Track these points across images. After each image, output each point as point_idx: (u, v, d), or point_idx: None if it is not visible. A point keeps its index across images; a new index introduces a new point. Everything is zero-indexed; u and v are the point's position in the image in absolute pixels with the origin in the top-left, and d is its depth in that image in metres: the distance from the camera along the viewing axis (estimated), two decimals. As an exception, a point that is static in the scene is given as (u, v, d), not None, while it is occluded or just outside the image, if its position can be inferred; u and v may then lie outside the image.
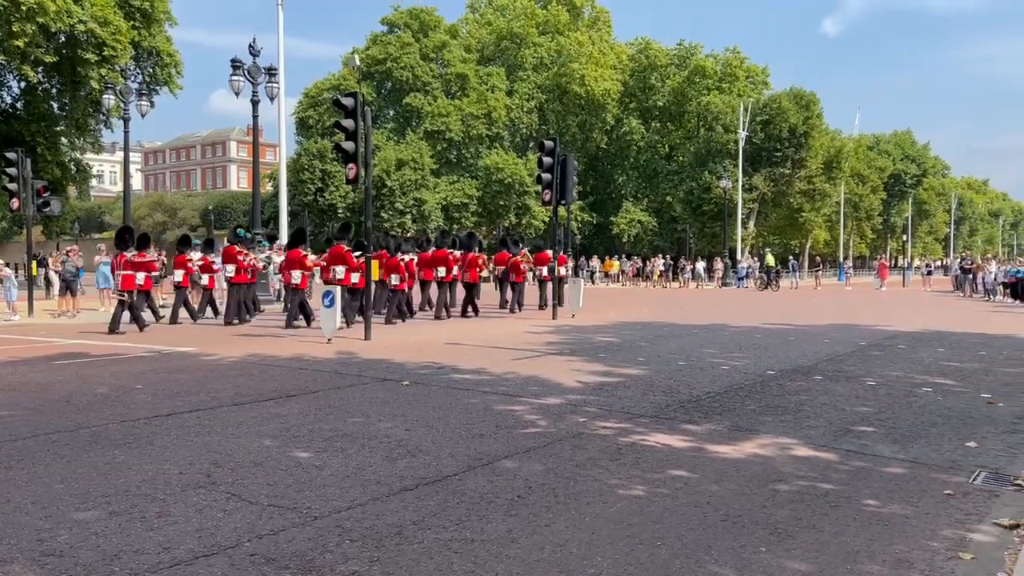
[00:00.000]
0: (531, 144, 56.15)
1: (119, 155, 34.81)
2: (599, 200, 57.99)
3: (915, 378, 8.60)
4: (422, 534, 3.71)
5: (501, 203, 52.67)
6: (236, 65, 21.76)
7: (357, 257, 14.34)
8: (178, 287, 16.37)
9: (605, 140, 58.27)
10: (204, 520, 3.87)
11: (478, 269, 18.89)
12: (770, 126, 48.28)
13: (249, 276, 16.19)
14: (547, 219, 47.96)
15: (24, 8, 22.59)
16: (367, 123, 12.26)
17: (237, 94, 22.22)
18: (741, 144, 45.58)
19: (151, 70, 29.02)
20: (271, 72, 23.00)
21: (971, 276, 31.21)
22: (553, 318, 16.70)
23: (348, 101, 12.32)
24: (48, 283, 23.61)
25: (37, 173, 20.96)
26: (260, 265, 17.84)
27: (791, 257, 47.10)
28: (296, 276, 14.44)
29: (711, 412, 6.66)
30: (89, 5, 24.44)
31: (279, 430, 5.89)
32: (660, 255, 46.32)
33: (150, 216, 67.06)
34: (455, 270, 18.29)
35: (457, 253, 18.69)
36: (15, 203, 17.90)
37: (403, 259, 16.22)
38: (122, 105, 25.89)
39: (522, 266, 19.89)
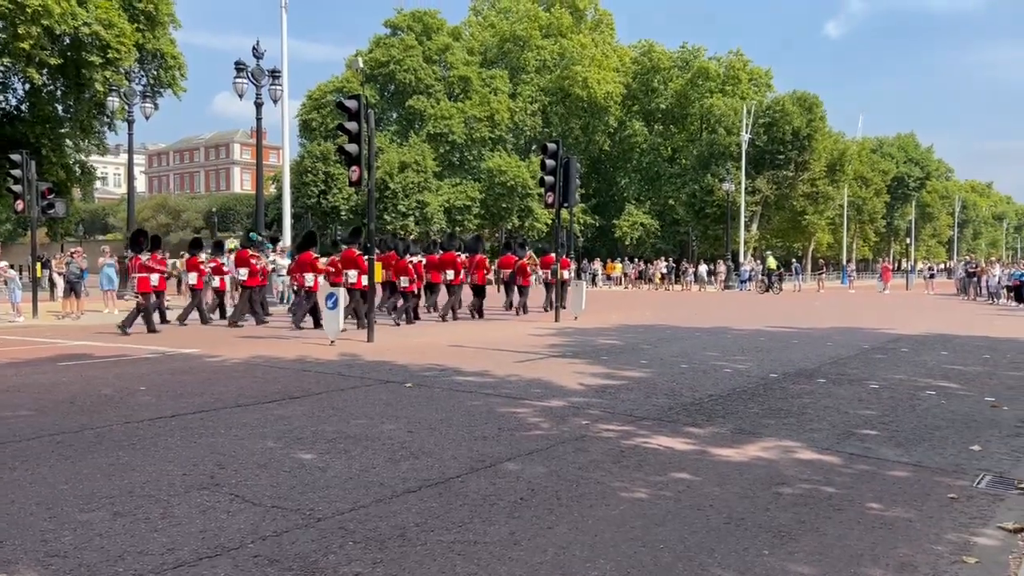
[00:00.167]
0: (534, 147, 56.25)
1: (123, 157, 34.88)
2: (601, 203, 58.03)
3: (918, 381, 8.57)
4: (425, 536, 3.71)
5: (504, 205, 52.73)
6: (240, 67, 21.87)
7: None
8: (193, 289, 16.64)
9: (608, 143, 58.33)
10: (208, 521, 3.88)
11: (484, 272, 18.97)
12: (773, 129, 48.23)
13: (260, 279, 16.55)
14: (550, 221, 48.01)
15: (29, 11, 22.65)
16: (370, 125, 12.29)
17: (241, 96, 22.35)
18: (744, 147, 45.51)
19: (155, 72, 29.07)
20: (274, 74, 23.09)
21: (975, 279, 31.14)
22: (556, 321, 16.74)
23: (351, 103, 12.37)
24: (52, 285, 23.72)
25: (42, 175, 21.02)
26: (269, 268, 18.18)
27: (794, 260, 46.99)
28: (309, 279, 14.61)
29: (714, 415, 6.65)
30: (93, 7, 24.50)
31: (283, 432, 5.90)
32: (662, 258, 46.31)
33: (154, 218, 67.40)
34: (463, 273, 18.39)
35: (464, 256, 18.77)
36: (20, 205, 18.00)
37: (411, 261, 16.37)
38: (126, 107, 26.02)
39: (528, 269, 19.97)
